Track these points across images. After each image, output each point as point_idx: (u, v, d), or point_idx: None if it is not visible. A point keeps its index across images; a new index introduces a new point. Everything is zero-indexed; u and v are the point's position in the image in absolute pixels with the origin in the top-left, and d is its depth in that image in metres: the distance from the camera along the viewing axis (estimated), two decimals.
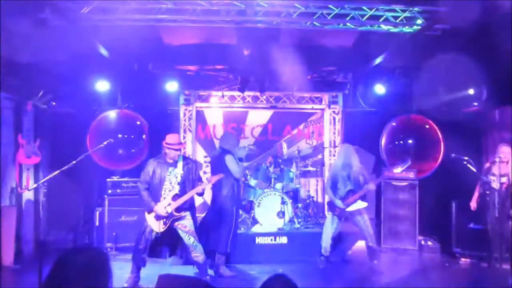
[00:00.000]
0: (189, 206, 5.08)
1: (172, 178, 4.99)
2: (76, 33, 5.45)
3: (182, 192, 4.95)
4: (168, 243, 5.17)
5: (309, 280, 5.43)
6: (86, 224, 7.12)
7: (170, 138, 5.04)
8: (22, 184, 6.60)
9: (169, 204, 4.88)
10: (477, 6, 4.74)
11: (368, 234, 5.82)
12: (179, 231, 4.99)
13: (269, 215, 6.77)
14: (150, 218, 4.93)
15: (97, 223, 6.85)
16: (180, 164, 5.04)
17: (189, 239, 4.97)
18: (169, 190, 4.96)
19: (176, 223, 4.96)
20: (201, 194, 5.23)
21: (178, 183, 4.98)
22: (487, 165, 5.97)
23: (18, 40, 5.04)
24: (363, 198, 5.87)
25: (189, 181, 5.03)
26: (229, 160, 5.57)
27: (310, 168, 8.11)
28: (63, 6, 5.00)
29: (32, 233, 6.79)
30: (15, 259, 6.02)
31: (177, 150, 5.01)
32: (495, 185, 5.70)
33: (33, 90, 6.77)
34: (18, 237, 6.27)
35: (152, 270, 5.08)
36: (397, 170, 5.99)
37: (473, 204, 6.03)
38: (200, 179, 5.19)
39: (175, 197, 4.90)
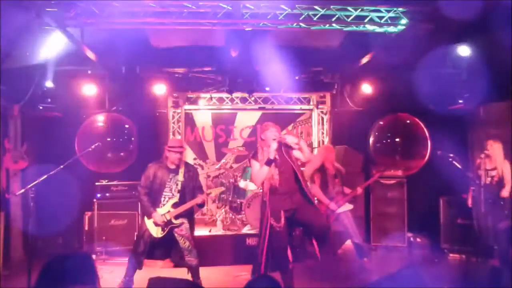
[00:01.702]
0: (188, 212, 5.07)
1: (173, 185, 4.96)
2: (62, 36, 5.42)
3: (182, 200, 4.93)
4: (163, 245, 5.18)
5: (299, 280, 5.46)
6: (75, 229, 7.06)
7: (172, 141, 5.06)
8: (10, 190, 6.54)
9: (168, 211, 4.89)
10: (461, 5, 4.82)
11: (353, 231, 5.89)
12: (175, 234, 4.99)
13: (259, 216, 6.77)
14: (149, 223, 4.91)
15: (86, 228, 6.80)
16: (181, 171, 5.00)
17: (185, 243, 4.97)
18: (169, 197, 4.94)
19: (173, 228, 4.97)
20: (201, 206, 5.19)
21: (178, 191, 4.95)
22: (478, 161, 6.06)
23: (4, 44, 5.01)
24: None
25: (189, 189, 5.00)
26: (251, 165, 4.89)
27: None
28: (49, 10, 4.96)
29: (20, 239, 6.73)
30: (4, 265, 5.96)
31: (177, 152, 4.95)
32: (486, 180, 5.78)
33: (20, 94, 6.71)
34: (6, 243, 6.20)
35: (142, 273, 5.06)
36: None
37: (470, 201, 6.09)
38: (200, 188, 5.17)
39: (175, 205, 4.91)
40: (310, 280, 5.56)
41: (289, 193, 4.63)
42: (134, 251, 4.93)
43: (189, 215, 5.10)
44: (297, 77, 7.93)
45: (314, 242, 4.95)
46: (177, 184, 4.97)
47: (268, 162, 4.56)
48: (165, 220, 4.86)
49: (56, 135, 7.16)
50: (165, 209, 4.89)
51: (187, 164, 5.21)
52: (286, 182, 4.62)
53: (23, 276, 4.56)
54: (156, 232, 4.90)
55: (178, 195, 4.94)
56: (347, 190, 6.05)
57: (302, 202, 4.65)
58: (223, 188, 5.16)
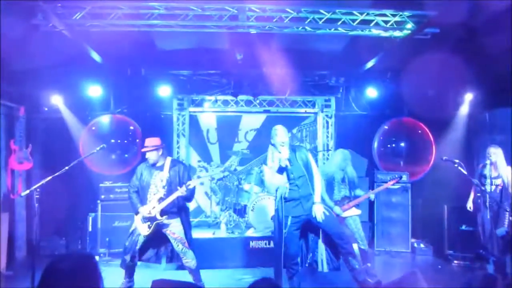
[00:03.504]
0: (178, 211, 5.02)
1: (157, 181, 4.97)
2: (68, 38, 5.45)
3: (168, 195, 4.92)
4: (161, 248, 5.16)
5: (302, 283, 5.44)
6: (79, 230, 7.09)
7: (146, 141, 5.04)
8: (15, 190, 6.58)
9: (154, 207, 4.88)
10: (466, 9, 4.80)
11: (359, 236, 5.85)
12: (169, 237, 4.99)
13: (263, 219, 6.78)
14: (137, 221, 4.95)
15: (90, 229, 6.83)
16: (166, 167, 5.01)
17: (178, 246, 4.95)
18: (154, 193, 4.94)
19: (165, 230, 4.95)
20: (188, 199, 5.13)
21: (163, 187, 4.95)
22: (480, 167, 6.02)
23: (11, 46, 5.04)
24: (357, 205, 5.91)
25: (176, 184, 4.96)
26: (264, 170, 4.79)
27: None
28: (55, 12, 4.99)
29: (24, 239, 6.77)
30: (7, 265, 6.00)
31: (150, 151, 4.96)
32: (488, 187, 5.74)
33: (26, 96, 6.75)
34: (11, 243, 6.24)
35: (145, 275, 5.07)
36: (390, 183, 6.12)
37: (469, 205, 6.06)
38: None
39: (160, 200, 4.89)
40: (312, 284, 5.54)
41: (301, 200, 4.53)
42: (124, 249, 4.95)
43: (181, 214, 5.05)
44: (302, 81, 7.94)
45: (327, 249, 4.91)
46: (162, 180, 4.96)
47: (280, 170, 4.46)
48: (150, 214, 4.85)
49: (61, 137, 7.20)
50: (151, 205, 4.89)
51: (173, 161, 5.20)
52: (299, 188, 4.52)
53: (26, 276, 4.58)
54: (143, 229, 4.89)
55: (163, 190, 4.93)
56: (359, 192, 5.99)
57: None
58: (201, 178, 5.11)
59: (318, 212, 4.50)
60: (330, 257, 4.90)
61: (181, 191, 4.84)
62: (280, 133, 4.57)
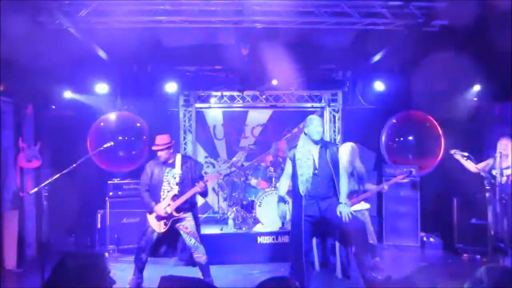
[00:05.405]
0: (190, 207, 5.05)
1: (170, 178, 4.98)
2: (74, 36, 5.46)
3: (182, 192, 4.93)
4: (170, 243, 5.17)
5: (313, 284, 5.42)
6: (88, 227, 7.13)
7: (156, 140, 5.01)
8: (24, 188, 6.62)
9: (169, 205, 4.88)
10: (475, 1, 4.74)
11: (368, 231, 5.81)
12: (181, 232, 5.00)
13: (271, 215, 6.76)
14: (151, 219, 4.95)
15: (99, 226, 6.86)
16: (178, 164, 5.01)
17: (190, 240, 4.97)
18: (168, 191, 4.94)
19: (177, 224, 4.96)
20: (203, 195, 5.17)
21: (177, 184, 4.96)
22: (489, 161, 5.94)
23: (17, 44, 5.05)
24: (366, 199, 5.87)
25: (189, 180, 4.99)
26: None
27: None
28: (61, 9, 5.00)
29: (34, 237, 6.81)
30: (17, 262, 6.03)
31: (162, 150, 4.94)
32: (499, 178, 5.68)
33: (33, 94, 6.78)
34: (20, 241, 6.28)
35: (154, 271, 5.09)
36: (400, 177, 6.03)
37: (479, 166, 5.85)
38: (201, 178, 5.11)
39: (174, 198, 4.90)
40: (321, 279, 5.52)
41: (317, 200, 4.42)
42: (138, 248, 4.96)
43: (192, 209, 5.08)
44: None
45: (343, 253, 4.88)
46: (175, 177, 4.97)
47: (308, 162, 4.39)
48: (167, 213, 4.86)
49: (69, 134, 7.23)
50: (165, 203, 4.89)
51: (184, 157, 5.20)
52: (319, 187, 4.41)
53: (37, 274, 4.61)
54: (159, 227, 4.90)
55: (177, 187, 4.94)
56: (370, 186, 5.94)
57: (333, 209, 4.42)
58: (219, 175, 5.11)
59: (344, 212, 4.38)
60: (345, 264, 4.87)
61: (199, 187, 4.87)
62: (318, 124, 4.49)
